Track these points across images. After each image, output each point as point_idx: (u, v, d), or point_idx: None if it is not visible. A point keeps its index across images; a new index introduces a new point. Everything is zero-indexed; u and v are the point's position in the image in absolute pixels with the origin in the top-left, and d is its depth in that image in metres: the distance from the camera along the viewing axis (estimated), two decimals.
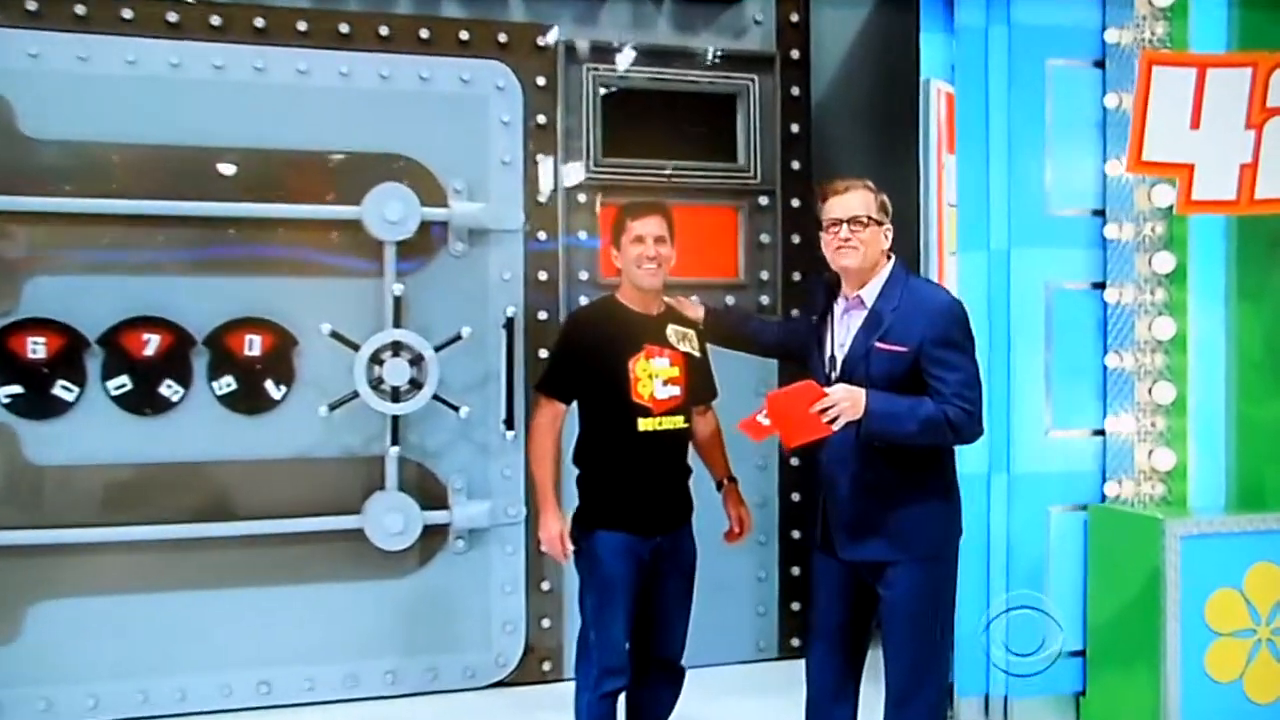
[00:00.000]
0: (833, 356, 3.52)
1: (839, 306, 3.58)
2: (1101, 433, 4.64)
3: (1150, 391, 4.50)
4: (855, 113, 5.95)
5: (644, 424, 3.85)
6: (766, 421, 3.37)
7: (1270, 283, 4.50)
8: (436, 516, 4.94)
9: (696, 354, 4.00)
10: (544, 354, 5.02)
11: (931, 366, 3.40)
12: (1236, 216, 4.39)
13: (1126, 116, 4.43)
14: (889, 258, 3.55)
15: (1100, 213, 4.61)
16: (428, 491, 4.96)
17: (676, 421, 3.91)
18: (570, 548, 3.87)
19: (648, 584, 3.93)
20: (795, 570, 5.45)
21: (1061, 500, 4.61)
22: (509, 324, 5.00)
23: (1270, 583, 4.30)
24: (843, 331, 3.55)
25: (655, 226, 3.89)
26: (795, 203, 5.43)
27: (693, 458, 4.06)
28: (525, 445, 4.18)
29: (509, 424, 4.97)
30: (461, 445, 5.02)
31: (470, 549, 5.05)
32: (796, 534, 5.43)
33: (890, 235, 3.55)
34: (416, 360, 4.82)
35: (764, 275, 5.42)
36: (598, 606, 3.89)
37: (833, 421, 3.31)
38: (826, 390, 3.34)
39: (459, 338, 4.86)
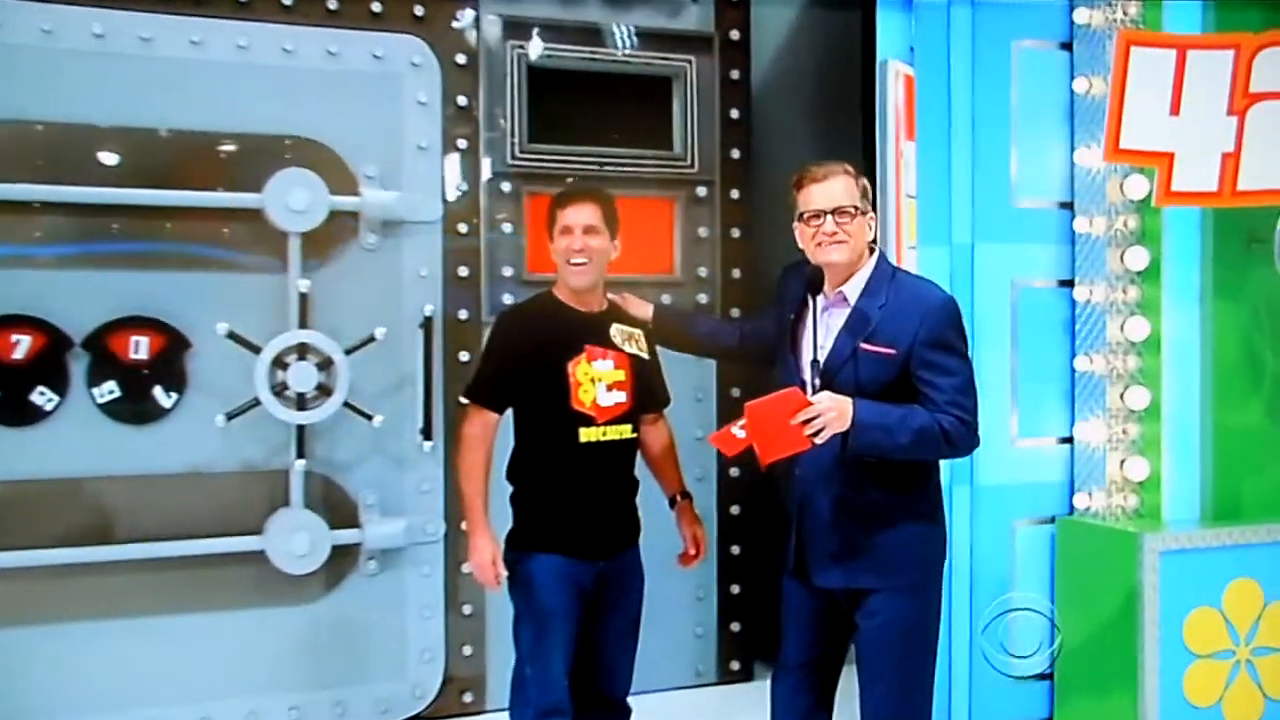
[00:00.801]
0: (814, 360, 3.14)
1: (818, 304, 3.21)
2: (1069, 440, 4.38)
3: (1122, 396, 4.25)
4: (799, 97, 5.60)
5: (586, 434, 3.49)
6: (742, 434, 3.01)
7: (1247, 280, 4.26)
8: (346, 536, 4.49)
9: (645, 356, 3.65)
10: (465, 357, 4.65)
11: (923, 371, 3.08)
12: (1212, 210, 4.14)
13: (1095, 102, 4.20)
14: (871, 250, 3.21)
15: (1068, 205, 4.34)
16: (337, 508, 4.50)
17: (623, 431, 3.55)
18: (503, 573, 3.47)
19: (590, 614, 3.56)
20: (735, 588, 5.10)
21: (1027, 513, 4.34)
22: (426, 324, 4.56)
23: (1249, 600, 4.07)
24: (823, 332, 3.18)
25: (587, 215, 3.52)
26: (735, 194, 5.08)
27: (640, 470, 3.70)
28: (453, 459, 3.77)
29: (426, 434, 4.54)
30: (374, 457, 4.57)
31: (384, 571, 4.61)
32: (736, 549, 5.09)
33: (875, 224, 3.20)
34: (325, 364, 4.37)
35: (702, 271, 5.05)
36: (534, 639, 3.51)
37: (816, 434, 2.95)
38: (810, 399, 2.97)
39: (372, 339, 4.42)
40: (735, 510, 5.11)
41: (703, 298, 5.05)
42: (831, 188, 3.16)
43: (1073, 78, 4.33)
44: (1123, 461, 4.25)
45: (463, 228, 4.72)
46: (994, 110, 4.31)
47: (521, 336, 3.58)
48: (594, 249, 3.52)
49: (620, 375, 3.55)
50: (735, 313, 5.03)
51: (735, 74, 5.11)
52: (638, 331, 3.68)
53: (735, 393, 4.98)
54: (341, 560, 4.52)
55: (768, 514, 5.59)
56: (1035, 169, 4.36)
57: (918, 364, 3.08)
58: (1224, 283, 4.24)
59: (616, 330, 3.61)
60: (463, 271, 4.72)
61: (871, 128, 4.40)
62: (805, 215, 3.19)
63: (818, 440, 2.97)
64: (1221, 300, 4.22)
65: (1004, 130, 4.32)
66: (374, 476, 4.58)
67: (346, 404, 4.39)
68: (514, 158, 4.77)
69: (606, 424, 3.52)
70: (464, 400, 3.69)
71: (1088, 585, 4.17)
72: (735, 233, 5.10)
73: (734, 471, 5.06)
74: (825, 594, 3.22)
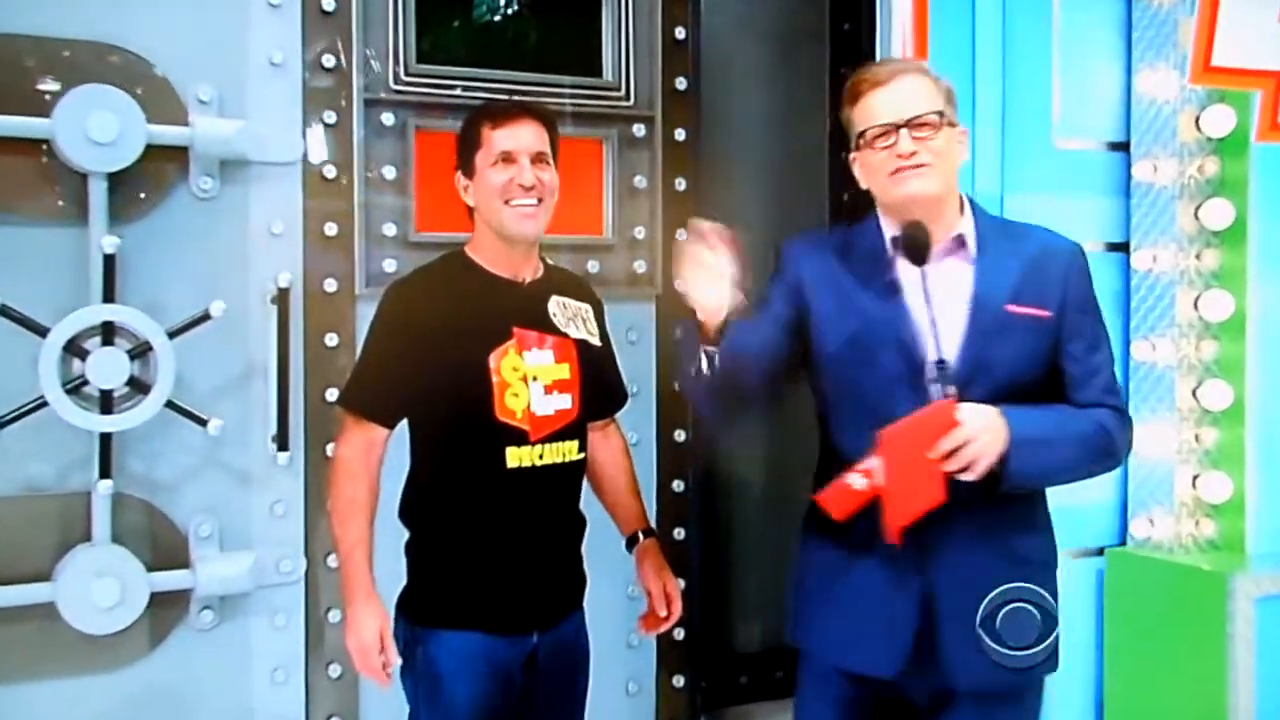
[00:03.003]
0: (939, 359, 2.31)
1: (933, 258, 2.34)
2: None
3: (1195, 393, 3.44)
4: (758, 13, 4.60)
5: (515, 456, 2.58)
6: (865, 483, 2.18)
7: None
8: (171, 579, 3.39)
9: (595, 341, 2.72)
10: (332, 341, 3.60)
11: (1073, 344, 2.39)
12: None
13: (1163, 12, 3.39)
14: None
15: (1123, 146, 3.49)
16: (159, 543, 3.41)
17: (566, 450, 2.65)
18: (395, 661, 2.52)
19: (519, 708, 2.63)
20: (678, 632, 4.09)
21: (1070, 542, 3.41)
22: (281, 298, 3.47)
23: None
24: (943, 298, 2.31)
25: (532, 138, 2.61)
26: (680, 134, 4.07)
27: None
28: (327, 492, 2.75)
29: (281, 442, 3.46)
30: (210, 474, 3.48)
31: (223, 622, 3.52)
32: (681, 583, 4.07)
33: (966, 143, 2.40)
34: (140, 351, 3.26)
35: (638, 232, 4.04)
36: None
37: (963, 468, 2.17)
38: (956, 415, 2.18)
39: (206, 318, 3.32)
40: (679, 534, 4.12)
41: (638, 265, 4.04)
42: (901, 92, 2.33)
43: None
44: (1195, 477, 3.45)
45: (330, 171, 3.64)
46: (1030, 23, 3.57)
47: (422, 317, 2.63)
48: (547, 185, 2.61)
49: (564, 371, 2.64)
50: (680, 284, 4.03)
51: None
52: (585, 306, 2.75)
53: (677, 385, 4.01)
54: (166, 611, 3.43)
55: (718, 538, 4.72)
56: (1082, 99, 3.62)
57: (1068, 334, 2.39)
58: None
59: (557, 305, 2.68)
60: (330, 229, 3.64)
61: (843, 47, 3.77)
62: (868, 134, 2.32)
63: (968, 475, 2.19)
64: None
65: (1043, 49, 3.57)
66: (210, 499, 3.48)
67: (170, 404, 3.29)
68: (398, 82, 3.71)
69: (544, 441, 2.63)
70: (340, 409, 2.70)
71: (1149, 636, 3.34)
72: (680, 183, 4.10)
73: (677, 486, 4.10)
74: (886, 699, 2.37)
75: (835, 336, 2.40)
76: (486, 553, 2.60)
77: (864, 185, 2.43)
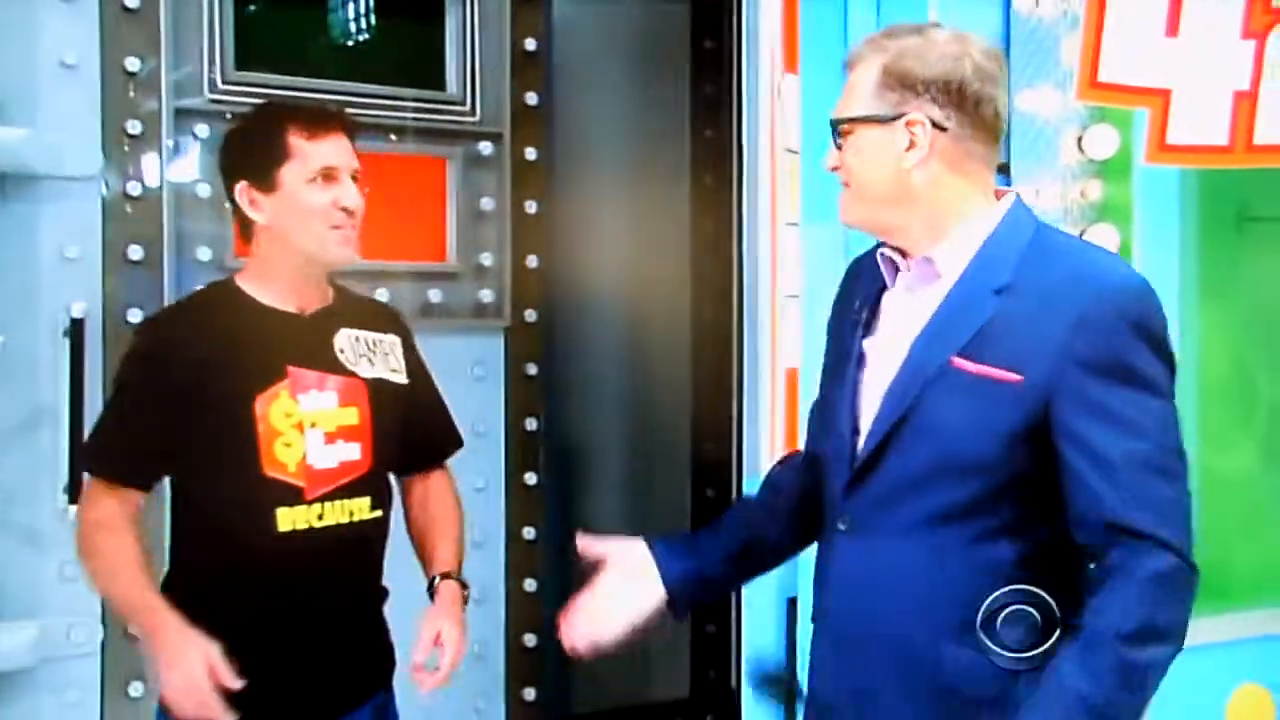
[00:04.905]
0: (855, 392, 1.85)
1: (898, 286, 1.88)
2: None
3: None
4: (616, 26, 4.28)
5: (289, 518, 2.20)
6: None
7: (1239, 272, 3.19)
8: None
9: (397, 378, 2.36)
10: None
11: (1079, 423, 1.67)
12: (1196, 174, 3.08)
13: (1043, 26, 3.09)
14: (996, 191, 1.89)
15: (1004, 167, 3.18)
16: None
17: (355, 509, 2.27)
18: (234, 683, 2.07)
19: None
20: (529, 692, 3.74)
21: None
22: (75, 330, 3.05)
23: (1259, 713, 2.96)
24: (892, 331, 1.87)
25: (350, 153, 2.29)
26: (531, 153, 3.74)
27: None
28: (80, 556, 2.32)
29: (73, 495, 2.99)
30: None
31: (3, 702, 3.05)
32: (532, 640, 3.74)
33: (924, 134, 1.78)
34: None
35: (484, 259, 3.69)
36: None
37: None
38: None
39: None
40: (531, 585, 3.76)
41: (485, 295, 3.70)
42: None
43: None
44: None
45: (134, 188, 3.22)
46: None
47: (178, 358, 2.21)
48: (361, 206, 2.27)
49: (349, 416, 2.26)
50: (531, 316, 3.72)
51: None
52: (387, 338, 2.38)
53: (531, 424, 3.70)
54: None
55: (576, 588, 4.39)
56: None
57: (1068, 409, 1.68)
58: (1210, 276, 3.16)
59: (346, 340, 2.29)
60: (134, 253, 3.21)
61: (707, 64, 3.50)
62: None
63: None
64: (1207, 299, 3.14)
65: None
66: None
67: None
68: (214, 90, 3.32)
69: (323, 499, 2.23)
70: (84, 472, 2.30)
71: None
72: (530, 206, 3.76)
73: (529, 533, 3.75)
74: None
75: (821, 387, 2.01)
76: (257, 632, 2.19)
77: None
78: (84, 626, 3.12)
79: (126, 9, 3.18)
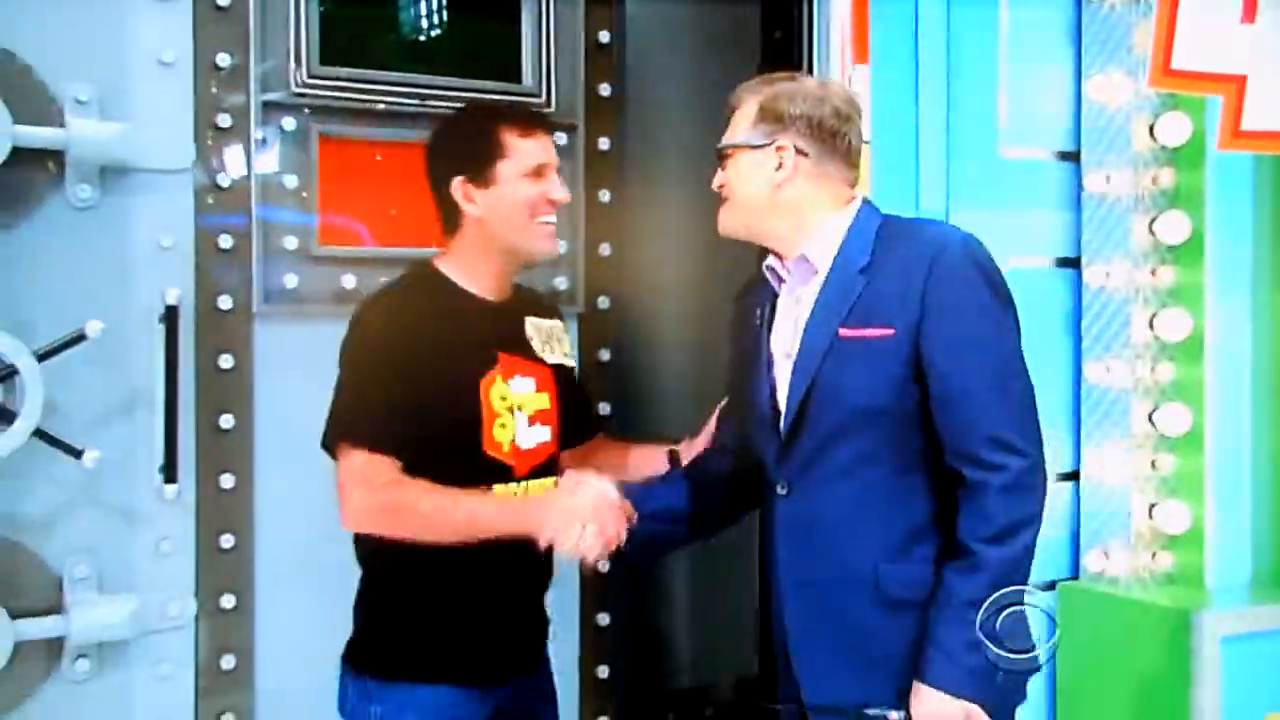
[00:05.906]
0: (772, 383, 2.28)
1: (782, 292, 2.35)
2: (1076, 476, 3.33)
3: (1152, 418, 3.19)
4: (686, 18, 4.38)
5: (503, 494, 2.38)
6: None
7: None
8: (40, 626, 3.06)
9: (570, 363, 2.62)
10: (226, 364, 3.32)
11: (939, 357, 2.12)
12: (1271, 160, 3.13)
13: (1115, 13, 3.20)
14: (848, 198, 2.34)
15: (1072, 155, 3.28)
16: (26, 586, 3.08)
17: (547, 487, 2.47)
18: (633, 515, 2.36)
19: None
20: (602, 671, 3.84)
21: None
22: (169, 316, 3.16)
23: None
24: (789, 327, 2.24)
25: (552, 152, 2.55)
26: (604, 143, 3.82)
27: None
28: (396, 526, 2.39)
29: (168, 474, 3.15)
30: (86, 511, 3.15)
31: (101, 673, 3.18)
32: (604, 671, 3.83)
33: (820, 158, 2.29)
34: (4, 375, 2.94)
35: (560, 246, 3.75)
36: None
37: None
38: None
39: (81, 338, 3.00)
40: (603, 565, 3.84)
41: (560, 282, 3.78)
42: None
43: None
44: (1153, 506, 3.20)
45: (225, 180, 3.35)
46: (976, 27, 3.31)
47: (408, 338, 2.39)
48: (568, 197, 2.62)
49: (544, 400, 2.48)
50: (604, 303, 3.80)
51: None
52: (555, 324, 2.61)
53: (604, 409, 3.76)
54: (34, 661, 3.09)
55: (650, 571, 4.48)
56: (1030, 105, 3.37)
57: (931, 346, 2.12)
58: None
59: (532, 327, 2.52)
60: (225, 242, 3.34)
61: (776, 55, 3.49)
62: None
63: None
64: None
65: (989, 51, 3.33)
66: (86, 538, 3.16)
67: (39, 433, 2.97)
68: (300, 84, 3.43)
69: (528, 477, 2.47)
70: (343, 446, 2.40)
71: (1105, 677, 3.09)
72: (604, 195, 3.84)
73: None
74: None
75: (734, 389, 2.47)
76: (464, 598, 2.38)
77: None
78: (178, 601, 3.26)
79: (218, 7, 3.30)
